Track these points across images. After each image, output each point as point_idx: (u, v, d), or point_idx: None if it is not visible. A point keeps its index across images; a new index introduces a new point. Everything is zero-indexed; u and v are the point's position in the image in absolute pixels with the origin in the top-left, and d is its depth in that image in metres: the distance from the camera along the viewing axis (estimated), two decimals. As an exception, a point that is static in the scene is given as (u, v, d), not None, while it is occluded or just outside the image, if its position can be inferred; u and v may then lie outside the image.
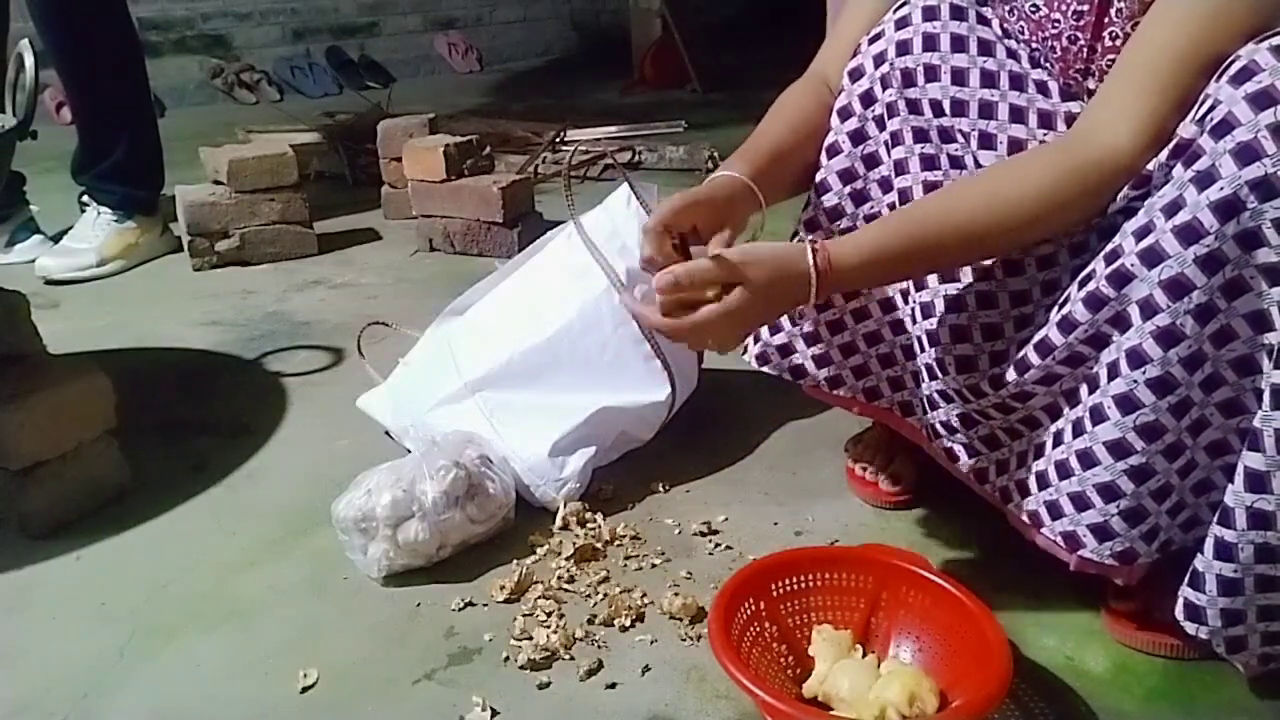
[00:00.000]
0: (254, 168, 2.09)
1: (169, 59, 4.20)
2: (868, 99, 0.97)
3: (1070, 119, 0.89)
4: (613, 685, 0.92)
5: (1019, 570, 1.05)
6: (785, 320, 1.10)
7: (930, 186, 0.93)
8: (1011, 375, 0.89)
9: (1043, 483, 0.92)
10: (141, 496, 1.25)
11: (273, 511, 1.22)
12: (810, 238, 0.83)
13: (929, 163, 0.94)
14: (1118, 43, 0.86)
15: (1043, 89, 0.91)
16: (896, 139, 0.96)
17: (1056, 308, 0.86)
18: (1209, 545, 0.80)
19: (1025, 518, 0.95)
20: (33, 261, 2.11)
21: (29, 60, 1.30)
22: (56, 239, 2.20)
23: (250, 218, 2.12)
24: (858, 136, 0.99)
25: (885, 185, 0.99)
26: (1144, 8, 0.82)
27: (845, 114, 1.00)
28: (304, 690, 0.93)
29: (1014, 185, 0.82)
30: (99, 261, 2.11)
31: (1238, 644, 0.82)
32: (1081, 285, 0.83)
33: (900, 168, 0.96)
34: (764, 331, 1.13)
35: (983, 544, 1.11)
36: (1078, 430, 0.87)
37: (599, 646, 0.97)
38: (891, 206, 0.98)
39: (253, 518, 1.21)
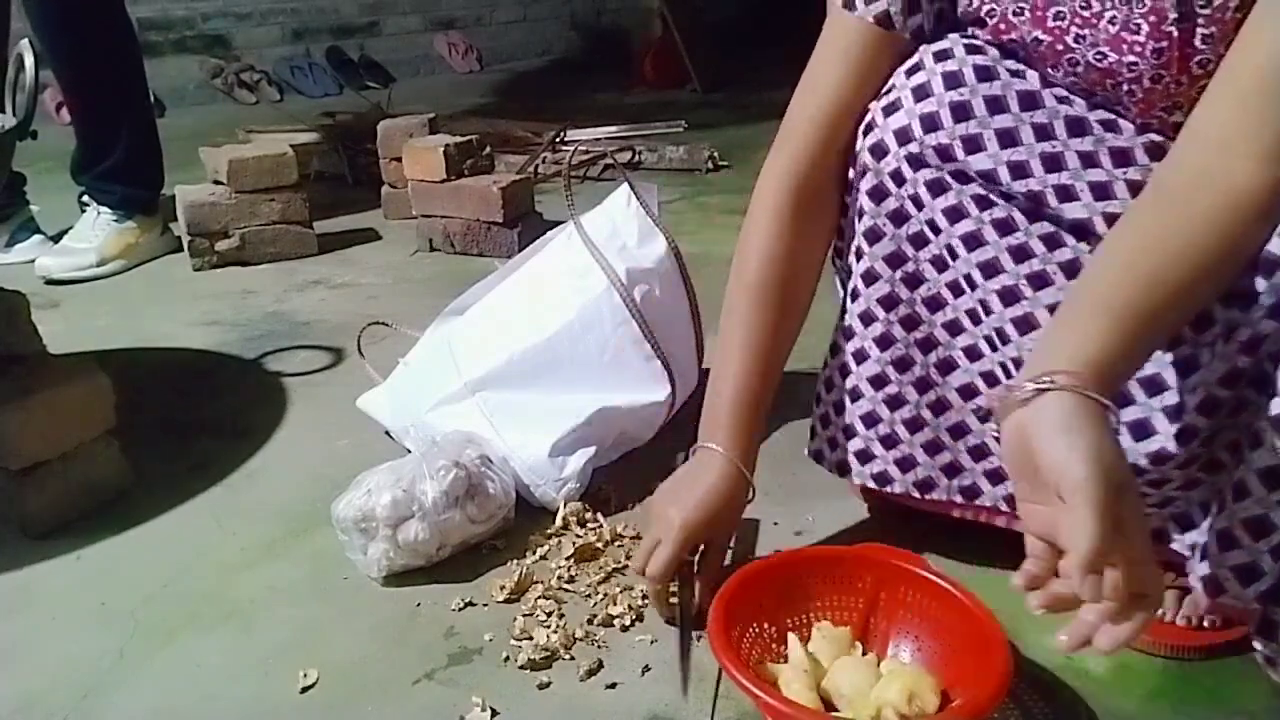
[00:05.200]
0: (254, 168, 2.09)
1: (169, 59, 4.20)
2: (898, 178, 0.90)
3: (1152, 149, 0.84)
4: (613, 685, 0.92)
5: (1019, 570, 1.05)
6: (859, 424, 1.01)
7: (1016, 250, 0.87)
8: (1201, 422, 0.81)
9: (1186, 526, 0.85)
10: (141, 496, 1.25)
11: (273, 511, 1.22)
12: (1051, 385, 0.66)
13: (1003, 227, 0.87)
14: (1209, 68, 0.78)
15: (1110, 127, 0.85)
16: (957, 213, 0.88)
17: (1225, 341, 0.77)
18: None
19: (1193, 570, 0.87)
20: (33, 261, 2.11)
21: (29, 60, 1.30)
22: (56, 239, 2.20)
23: (250, 218, 2.12)
24: (898, 217, 0.91)
25: (940, 264, 0.91)
26: (1237, 24, 0.74)
27: (879, 195, 0.91)
28: (304, 690, 0.93)
29: (1188, 229, 0.72)
30: (99, 261, 2.11)
31: (1270, 628, 0.78)
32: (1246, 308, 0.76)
33: (973, 241, 0.88)
34: (839, 437, 1.03)
35: (983, 544, 1.10)
36: (1238, 462, 0.79)
37: (599, 646, 0.97)
38: (951, 286, 0.91)
39: (253, 518, 1.21)
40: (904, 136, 0.88)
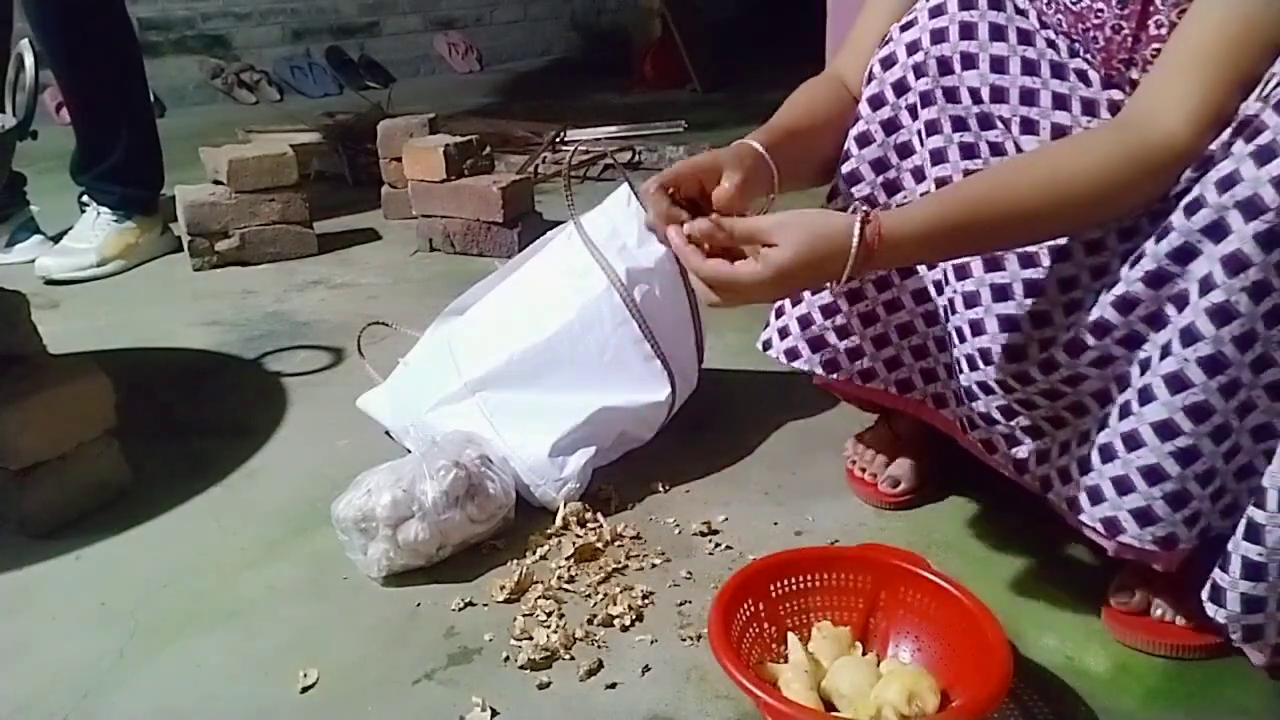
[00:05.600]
0: (254, 168, 2.09)
1: (169, 59, 4.20)
2: (900, 87, 0.97)
3: (1113, 106, 0.88)
4: (613, 685, 0.92)
5: (1019, 570, 1.06)
6: (817, 314, 1.09)
7: (970, 175, 0.93)
8: (1064, 358, 0.88)
9: (1084, 468, 0.91)
10: (141, 496, 1.25)
11: (273, 511, 1.22)
12: (864, 207, 0.80)
13: (968, 151, 0.93)
14: (1163, 31, 0.84)
15: (1083, 78, 0.90)
16: (933, 128, 0.95)
17: (1108, 289, 0.84)
18: (1241, 525, 0.79)
19: (1064, 505, 0.94)
20: (33, 261, 2.11)
21: (29, 60, 1.30)
22: (56, 239, 2.20)
23: (250, 218, 2.12)
24: (890, 125, 0.99)
25: (918, 175, 0.98)
26: None
27: (877, 102, 0.99)
28: (304, 690, 0.93)
29: (1075, 166, 0.80)
30: (99, 261, 2.11)
31: (1254, 633, 0.81)
32: (1136, 264, 0.82)
33: (938, 156, 0.95)
34: (793, 326, 1.11)
35: (983, 544, 1.11)
36: (1124, 413, 0.86)
37: (599, 646, 0.97)
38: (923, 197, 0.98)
39: (253, 518, 1.21)
40: (913, 48, 0.95)
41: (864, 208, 0.80)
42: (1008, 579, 1.04)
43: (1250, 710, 0.88)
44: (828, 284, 0.83)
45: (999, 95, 0.91)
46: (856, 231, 0.78)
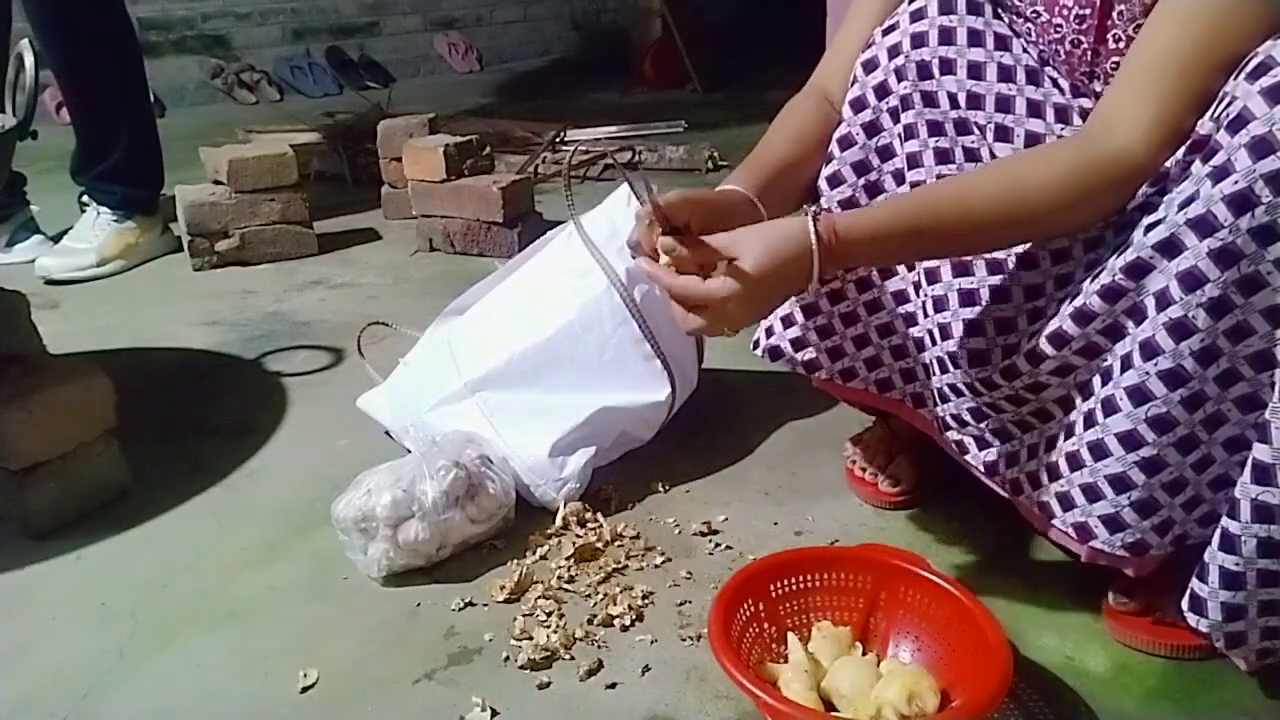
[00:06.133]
0: (254, 168, 2.09)
1: (169, 59, 4.20)
2: (882, 90, 0.97)
3: (1084, 114, 0.89)
4: (613, 685, 0.92)
5: (1019, 570, 1.06)
6: (799, 314, 1.10)
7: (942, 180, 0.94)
8: (1025, 366, 0.89)
9: (1054, 474, 0.92)
10: (141, 496, 1.25)
11: (273, 511, 1.22)
12: (813, 208, 0.80)
13: (943, 156, 0.94)
14: (1121, 45, 0.86)
15: (1057, 84, 0.91)
16: (911, 132, 0.96)
17: (1069, 300, 0.86)
18: (1216, 536, 0.80)
19: (1036, 509, 0.95)
20: (33, 261, 2.11)
21: (29, 60, 1.30)
22: (56, 239, 2.20)
23: (250, 218, 2.12)
24: (872, 128, 0.99)
25: (899, 178, 0.99)
26: (1145, 10, 0.82)
27: (859, 105, 1.00)
28: (304, 690, 0.93)
29: (1032, 177, 0.82)
30: (99, 261, 2.11)
31: (1237, 639, 0.82)
32: (1094, 278, 0.83)
33: (913, 161, 0.96)
34: (777, 326, 1.12)
35: (983, 544, 1.11)
36: (1089, 422, 0.87)
37: (599, 646, 0.97)
38: None
39: (253, 518, 1.21)
40: (894, 51, 0.96)
41: (812, 208, 0.81)
42: (1008, 579, 1.04)
43: (1250, 710, 0.88)
44: (803, 289, 0.83)
45: (975, 101, 0.92)
46: (812, 228, 0.80)
